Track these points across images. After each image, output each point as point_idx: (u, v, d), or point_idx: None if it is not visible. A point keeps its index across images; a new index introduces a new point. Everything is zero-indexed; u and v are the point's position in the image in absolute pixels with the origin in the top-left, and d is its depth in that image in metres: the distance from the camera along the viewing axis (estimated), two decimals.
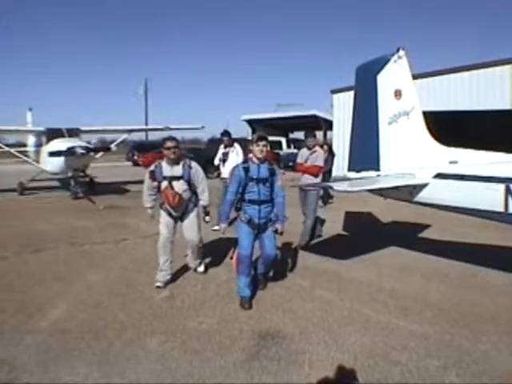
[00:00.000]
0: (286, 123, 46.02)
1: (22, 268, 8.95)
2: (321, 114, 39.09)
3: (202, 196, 8.08)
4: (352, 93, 10.09)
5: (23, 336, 5.90)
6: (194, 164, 7.97)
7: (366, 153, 9.10)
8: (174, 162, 7.78)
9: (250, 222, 7.05)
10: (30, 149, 23.89)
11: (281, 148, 38.24)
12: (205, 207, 8.26)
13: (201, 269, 8.49)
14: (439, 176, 8.00)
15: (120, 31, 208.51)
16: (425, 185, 8.17)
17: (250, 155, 7.20)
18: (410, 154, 8.59)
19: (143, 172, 10.58)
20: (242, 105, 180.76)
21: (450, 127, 25.82)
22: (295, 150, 34.23)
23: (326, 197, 17.36)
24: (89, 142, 23.40)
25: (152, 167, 7.89)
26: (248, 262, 7.07)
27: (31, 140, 24.07)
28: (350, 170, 9.45)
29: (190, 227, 8.05)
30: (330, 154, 19.84)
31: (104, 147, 22.96)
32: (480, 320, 6.52)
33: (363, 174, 9.07)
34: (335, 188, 8.20)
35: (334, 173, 20.37)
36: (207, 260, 8.93)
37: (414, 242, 11.12)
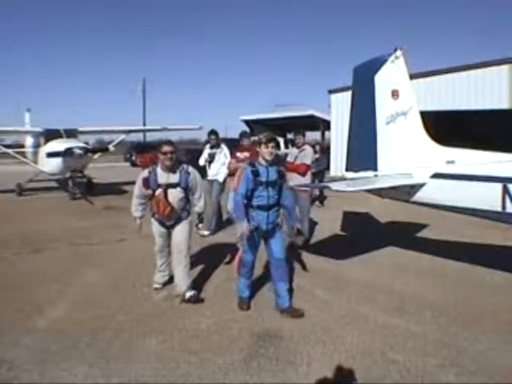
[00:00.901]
0: (283, 123, 45.96)
1: (20, 268, 9.00)
2: (318, 114, 39.06)
3: (198, 202, 7.64)
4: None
5: (22, 335, 5.92)
6: (191, 169, 7.46)
7: (363, 153, 9.12)
8: (170, 168, 7.23)
9: (257, 229, 6.69)
10: (28, 150, 23.83)
11: (279, 148, 38.23)
12: (199, 214, 8.11)
13: (189, 293, 7.18)
14: (436, 176, 8.03)
15: (118, 31, 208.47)
16: (422, 185, 8.21)
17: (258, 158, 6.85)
18: (407, 154, 8.62)
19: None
20: (239, 105, 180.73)
21: (448, 127, 25.91)
22: (311, 149, 34.17)
23: (323, 197, 17.37)
24: (86, 143, 23.41)
25: (145, 173, 7.33)
26: (250, 266, 6.96)
27: (29, 141, 24.00)
28: (347, 169, 9.46)
29: (180, 232, 7.39)
30: (323, 154, 19.80)
31: (102, 148, 22.99)
32: (478, 318, 6.56)
33: (361, 173, 9.07)
34: (333, 188, 8.23)
35: (332, 173, 20.41)
36: (192, 290, 7.30)
37: (411, 242, 11.14)
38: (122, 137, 24.46)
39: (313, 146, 12.57)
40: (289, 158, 10.67)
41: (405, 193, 8.45)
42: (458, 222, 11.74)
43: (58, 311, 6.80)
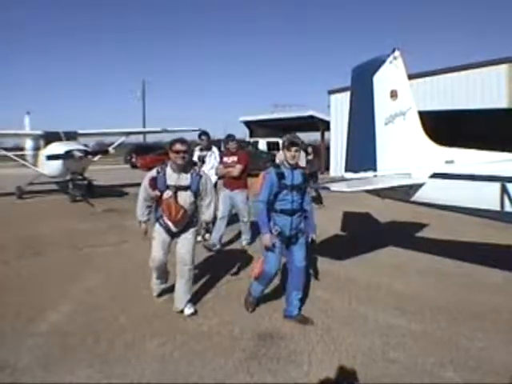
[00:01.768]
0: (283, 124, 46.04)
1: (22, 271, 9.00)
2: (318, 115, 39.08)
3: (207, 210, 6.96)
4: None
5: (24, 338, 5.95)
6: (202, 172, 6.93)
7: (362, 153, 9.16)
8: (182, 169, 6.60)
9: (280, 234, 6.37)
10: (28, 152, 23.94)
11: (278, 149, 38.26)
12: (207, 223, 7.29)
13: (189, 311, 6.79)
14: (435, 176, 8.06)
15: (117, 33, 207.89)
16: (421, 184, 8.24)
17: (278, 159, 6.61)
18: (406, 154, 8.65)
19: (142, 174, 10.64)
20: (239, 106, 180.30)
21: (447, 127, 25.96)
22: (304, 152, 34.27)
23: (320, 198, 17.37)
24: (86, 145, 23.45)
25: (154, 173, 6.69)
26: (272, 278, 6.65)
27: (29, 144, 24.12)
28: (347, 170, 9.49)
29: (186, 244, 6.78)
30: (315, 156, 19.76)
31: (102, 150, 22.99)
32: (477, 318, 6.60)
33: (360, 174, 9.11)
34: (332, 189, 8.25)
35: (332, 173, 20.44)
36: (191, 307, 6.88)
37: (411, 241, 11.20)
38: (121, 139, 24.52)
39: (305, 149, 12.37)
40: (278, 161, 10.10)
41: (404, 193, 8.49)
42: (458, 222, 11.73)
43: (60, 314, 6.81)
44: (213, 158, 11.52)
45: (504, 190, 7.16)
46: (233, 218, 10.82)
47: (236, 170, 10.22)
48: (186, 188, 6.61)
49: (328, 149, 33.91)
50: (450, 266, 9.08)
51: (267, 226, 6.31)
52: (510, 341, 5.82)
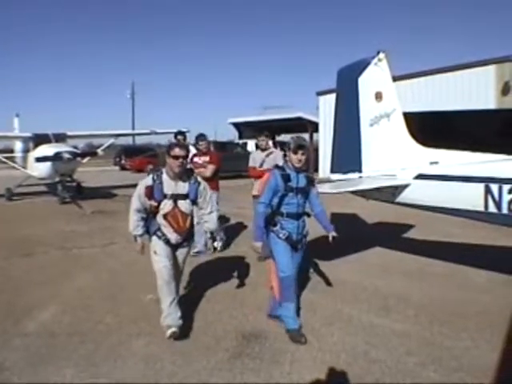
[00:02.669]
0: (272, 126, 46.13)
1: (11, 272, 9.07)
2: (306, 116, 39.15)
3: (210, 218, 6.44)
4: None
5: (12, 338, 6.00)
6: (199, 178, 6.41)
7: (348, 155, 9.21)
8: (179, 176, 6.10)
9: (288, 238, 6.11)
10: (18, 154, 23.99)
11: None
12: (212, 232, 6.84)
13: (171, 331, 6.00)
14: (420, 177, 8.14)
15: (107, 34, 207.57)
16: (406, 186, 8.31)
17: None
18: (391, 156, 8.74)
19: (131, 176, 10.71)
20: (227, 107, 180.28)
21: (437, 128, 26.04)
22: (281, 152, 34.31)
23: None
24: (75, 147, 23.48)
25: (149, 181, 6.08)
26: (293, 284, 6.12)
27: (18, 146, 24.19)
28: (332, 171, 9.53)
29: (181, 258, 6.42)
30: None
31: (90, 152, 23.09)
32: (462, 317, 6.65)
33: (346, 175, 9.16)
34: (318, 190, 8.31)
35: (321, 174, 20.41)
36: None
37: (398, 242, 11.28)
38: (110, 141, 24.62)
39: (282, 149, 12.13)
40: (251, 163, 9.78)
41: (389, 194, 8.56)
42: (445, 223, 11.80)
43: (48, 314, 6.87)
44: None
45: (488, 191, 7.23)
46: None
47: (208, 171, 9.97)
48: (184, 196, 6.14)
49: (317, 150, 33.91)
50: (435, 267, 9.16)
51: (261, 233, 6.14)
52: (494, 341, 5.85)
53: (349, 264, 9.32)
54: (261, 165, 9.52)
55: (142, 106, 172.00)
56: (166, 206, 6.04)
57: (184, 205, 6.13)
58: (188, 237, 6.38)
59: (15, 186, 21.34)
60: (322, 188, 8.57)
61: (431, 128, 24.97)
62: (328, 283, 8.12)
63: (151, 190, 6.02)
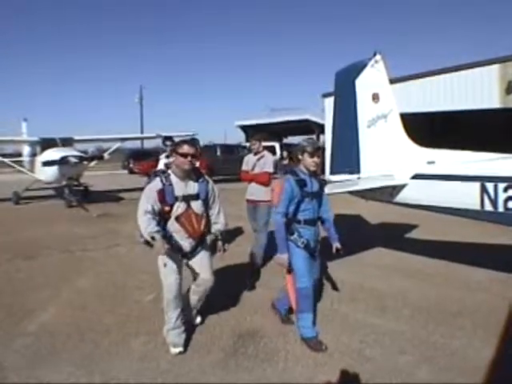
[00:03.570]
0: (279, 128, 46.19)
1: (13, 274, 9.18)
2: (313, 119, 39.21)
3: (219, 219, 6.06)
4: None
5: (13, 339, 6.10)
6: (207, 177, 6.05)
7: (346, 156, 9.24)
8: (188, 176, 5.74)
9: (306, 246, 5.90)
10: (25, 158, 24.19)
11: (275, 153, 38.37)
12: (221, 233, 6.09)
13: (198, 320, 6.46)
14: (417, 176, 8.19)
15: (116, 40, 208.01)
16: (403, 185, 8.36)
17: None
18: (388, 156, 8.79)
19: (138, 180, 10.81)
20: (237, 109, 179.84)
21: (443, 128, 26.11)
22: (273, 156, 34.39)
23: None
24: (85, 151, 23.64)
25: (158, 184, 5.59)
26: (312, 294, 5.90)
27: (26, 150, 24.37)
28: (331, 173, 9.57)
29: (205, 264, 5.96)
30: (292, 160, 19.64)
31: (97, 156, 23.16)
32: (458, 316, 6.69)
33: (345, 176, 9.20)
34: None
35: (327, 176, 20.36)
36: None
37: (398, 242, 11.32)
38: (117, 145, 24.82)
39: (288, 152, 11.92)
40: (244, 166, 9.35)
41: (387, 194, 8.61)
42: (446, 223, 11.75)
43: (48, 315, 6.98)
44: None
45: (483, 190, 7.26)
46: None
47: None
48: (195, 197, 5.76)
49: (323, 152, 33.98)
50: (435, 267, 9.20)
51: (285, 245, 5.82)
52: (488, 339, 5.88)
53: (348, 264, 9.31)
54: (252, 168, 9.19)
55: (151, 110, 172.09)
56: (179, 208, 5.64)
57: (197, 205, 5.74)
58: (202, 240, 5.93)
59: (22, 189, 21.50)
60: None
61: (438, 128, 25.09)
62: (334, 288, 7.91)
63: (163, 194, 5.55)
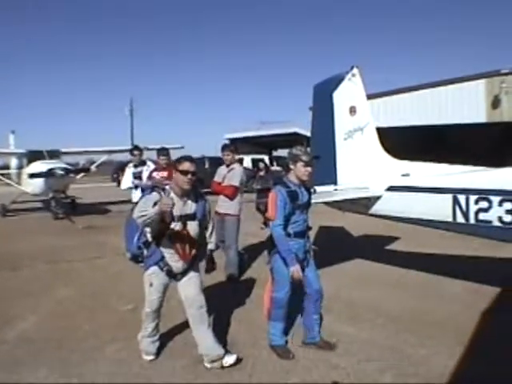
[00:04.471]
0: (268, 141, 46.42)
1: None
2: (302, 132, 39.43)
3: (211, 238, 5.86)
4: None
5: None
6: (205, 197, 5.78)
7: (324, 168, 9.33)
8: (186, 194, 5.45)
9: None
10: (12, 171, 24.24)
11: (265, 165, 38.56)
12: (212, 251, 5.98)
13: (231, 360, 5.55)
14: (391, 188, 8.35)
15: (105, 50, 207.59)
16: (378, 197, 8.51)
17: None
18: (364, 168, 8.95)
19: (126, 192, 10.90)
20: (227, 122, 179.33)
21: (431, 141, 26.36)
22: (278, 168, 34.70)
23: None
24: (77, 163, 23.73)
25: (156, 197, 5.26)
26: (286, 306, 5.90)
27: (13, 162, 24.41)
28: None
29: (193, 281, 5.66)
30: (267, 172, 19.57)
31: (84, 168, 23.41)
32: (429, 326, 6.79)
33: (322, 188, 9.20)
34: None
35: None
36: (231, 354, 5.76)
37: (378, 254, 11.44)
38: (104, 157, 25.10)
39: (279, 165, 11.99)
40: (216, 178, 9.49)
41: (363, 206, 8.76)
42: (428, 234, 11.70)
43: (28, 323, 7.15)
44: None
45: (455, 202, 7.40)
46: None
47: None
48: (192, 217, 5.48)
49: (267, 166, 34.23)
50: (413, 278, 9.31)
51: (293, 256, 5.64)
52: (455, 348, 5.98)
53: (327, 275, 9.23)
54: (223, 180, 9.28)
55: (141, 122, 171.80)
56: (176, 228, 5.39)
57: (193, 226, 5.48)
58: (194, 263, 5.69)
59: (9, 202, 21.62)
60: None
61: (428, 141, 25.36)
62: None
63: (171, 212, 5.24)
